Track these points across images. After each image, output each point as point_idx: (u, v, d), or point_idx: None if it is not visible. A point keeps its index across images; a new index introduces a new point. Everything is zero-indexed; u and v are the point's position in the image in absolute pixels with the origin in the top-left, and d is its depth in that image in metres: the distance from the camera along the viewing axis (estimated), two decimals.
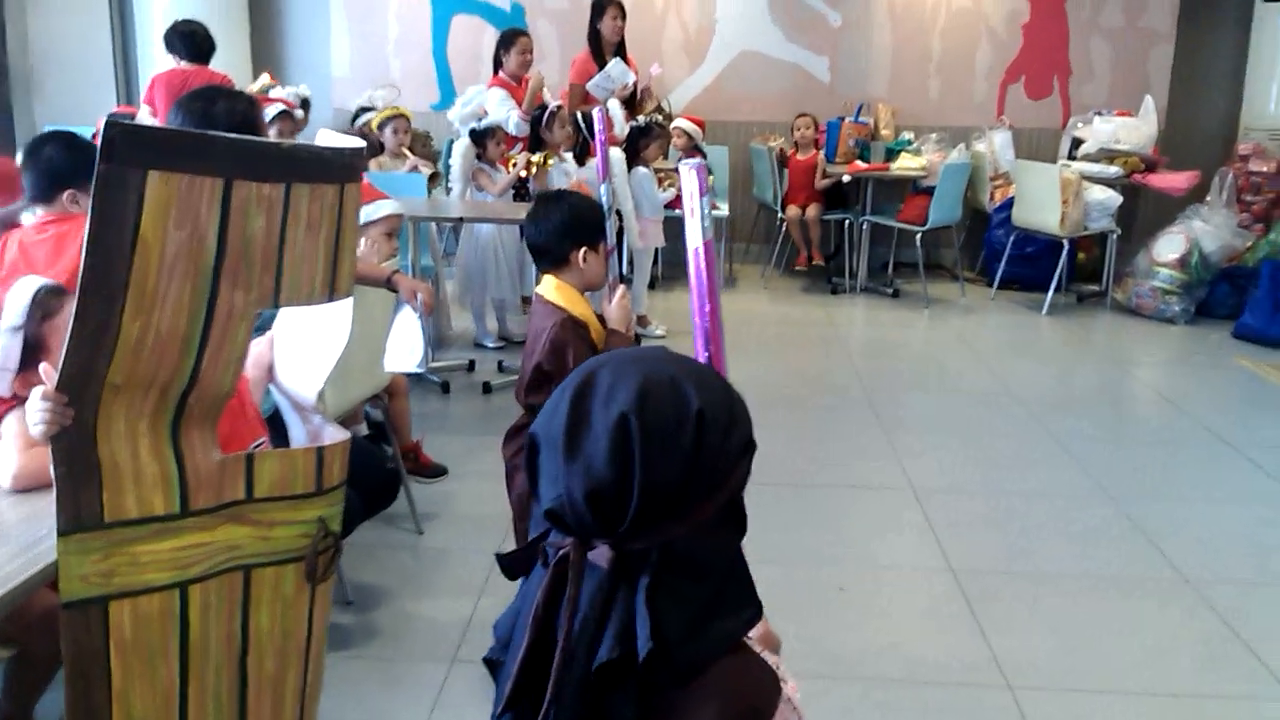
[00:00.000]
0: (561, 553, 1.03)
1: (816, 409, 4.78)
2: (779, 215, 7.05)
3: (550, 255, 2.69)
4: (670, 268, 6.98)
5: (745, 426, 1.07)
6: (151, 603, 1.38)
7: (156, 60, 6.01)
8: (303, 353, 1.76)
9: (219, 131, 1.39)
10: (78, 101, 6.82)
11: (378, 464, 2.80)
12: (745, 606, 1.08)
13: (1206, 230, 6.27)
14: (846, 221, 7.04)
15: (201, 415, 1.40)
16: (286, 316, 1.82)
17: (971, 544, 3.47)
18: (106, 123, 1.27)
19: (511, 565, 1.10)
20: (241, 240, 1.36)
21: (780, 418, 4.55)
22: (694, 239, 1.14)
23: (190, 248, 1.31)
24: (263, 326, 1.83)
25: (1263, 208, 6.72)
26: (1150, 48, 7.52)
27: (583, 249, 2.66)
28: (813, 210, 6.94)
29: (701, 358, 1.12)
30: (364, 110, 6.08)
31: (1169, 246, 6.31)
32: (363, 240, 3.05)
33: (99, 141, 1.24)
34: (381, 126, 5.56)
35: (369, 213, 3.04)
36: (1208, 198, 6.60)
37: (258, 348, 1.82)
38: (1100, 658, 2.83)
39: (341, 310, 1.65)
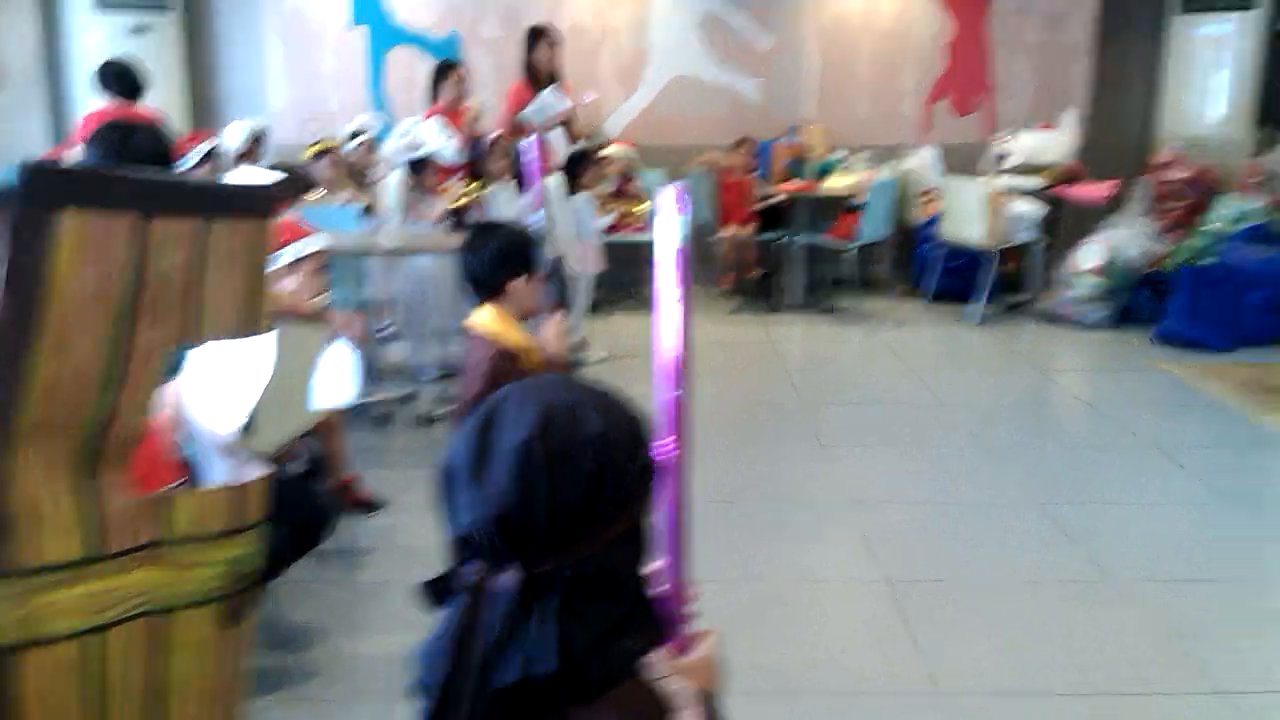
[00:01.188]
0: (474, 578, 1.07)
1: (755, 425, 4.86)
2: (715, 236, 7.15)
3: (485, 285, 2.74)
4: (611, 292, 7.05)
5: (649, 450, 1.12)
6: (67, 650, 1.36)
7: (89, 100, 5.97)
8: (221, 389, 1.78)
9: (136, 164, 1.40)
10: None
11: (308, 501, 2.81)
12: (648, 628, 1.13)
13: (1126, 238, 6.48)
14: (781, 241, 7.16)
15: (117, 455, 1.39)
16: (204, 353, 1.83)
17: (905, 554, 3.56)
18: (20, 166, 1.27)
19: (432, 594, 1.14)
20: (158, 277, 1.36)
21: (719, 435, 4.61)
22: (669, 245, 1.17)
23: (106, 285, 1.31)
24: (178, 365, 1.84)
25: (1180, 214, 6.93)
26: (1070, 63, 7.76)
27: (518, 278, 2.71)
28: (747, 230, 7.05)
29: (669, 372, 1.16)
30: (355, 135, 6.06)
31: (1091, 255, 6.50)
32: (293, 277, 3.07)
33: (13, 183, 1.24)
34: (316, 159, 5.57)
35: (298, 250, 3.06)
36: (1127, 206, 6.81)
37: (173, 387, 1.83)
38: (1033, 661, 2.91)
39: (262, 346, 1.67)
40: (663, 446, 1.14)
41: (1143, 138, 7.75)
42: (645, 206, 7.04)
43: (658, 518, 1.16)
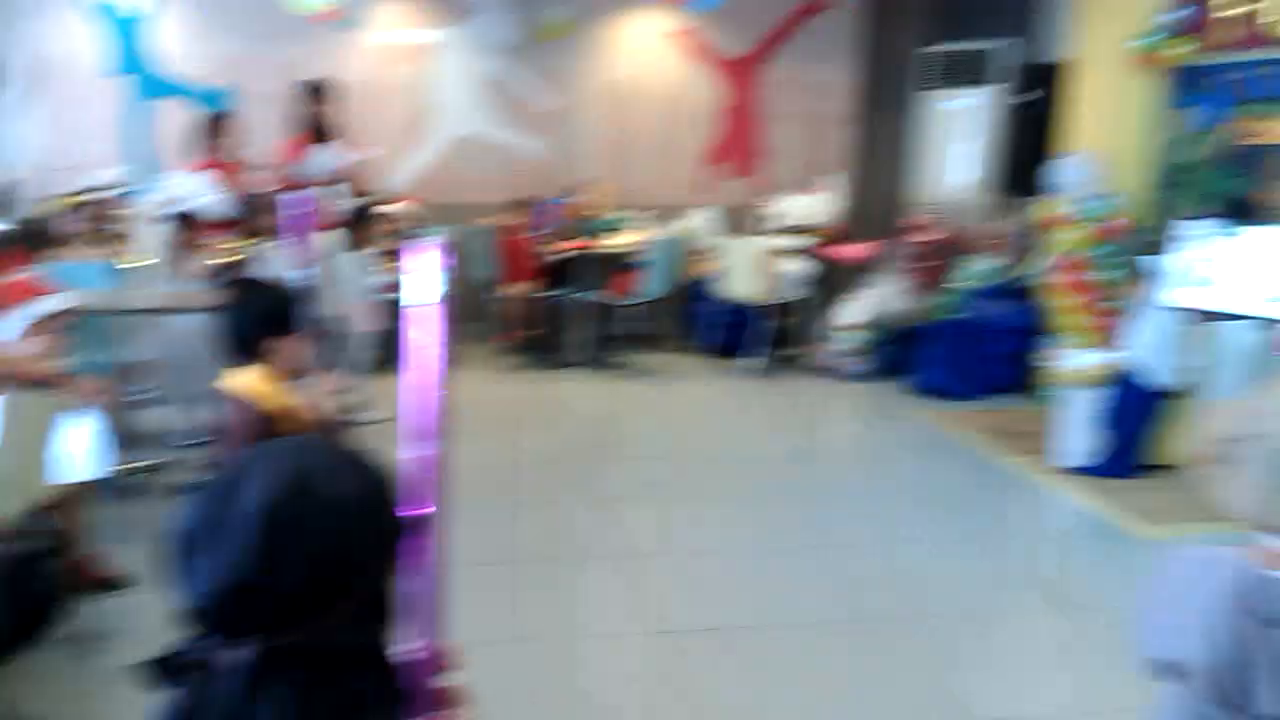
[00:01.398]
0: (205, 654, 1.03)
1: (535, 483, 4.86)
2: (497, 294, 7.16)
3: (247, 345, 2.64)
4: (395, 351, 6.92)
5: (399, 514, 1.11)
6: None
7: None
8: None
9: None
10: None
11: (39, 581, 2.60)
12: (395, 701, 1.11)
13: (885, 295, 6.94)
14: (564, 298, 7.25)
15: None
16: None
17: (682, 604, 3.63)
18: None
19: (157, 673, 1.08)
20: None
21: (497, 495, 4.59)
22: (428, 299, 1.15)
23: None
24: None
25: (932, 273, 7.48)
26: (832, 131, 8.29)
27: (281, 337, 2.63)
28: (530, 287, 7.11)
29: (427, 428, 1.15)
30: (110, 188, 5.69)
31: (854, 311, 6.93)
32: (30, 339, 2.87)
33: None
34: (68, 214, 5.23)
35: (35, 310, 2.87)
36: (886, 265, 7.29)
37: None
38: (802, 703, 3.03)
39: None
40: (416, 509, 1.13)
41: (899, 202, 8.34)
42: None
43: (410, 584, 1.14)
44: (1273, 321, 1.06)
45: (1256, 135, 5.62)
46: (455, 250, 6.97)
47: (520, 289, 7.11)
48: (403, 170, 7.69)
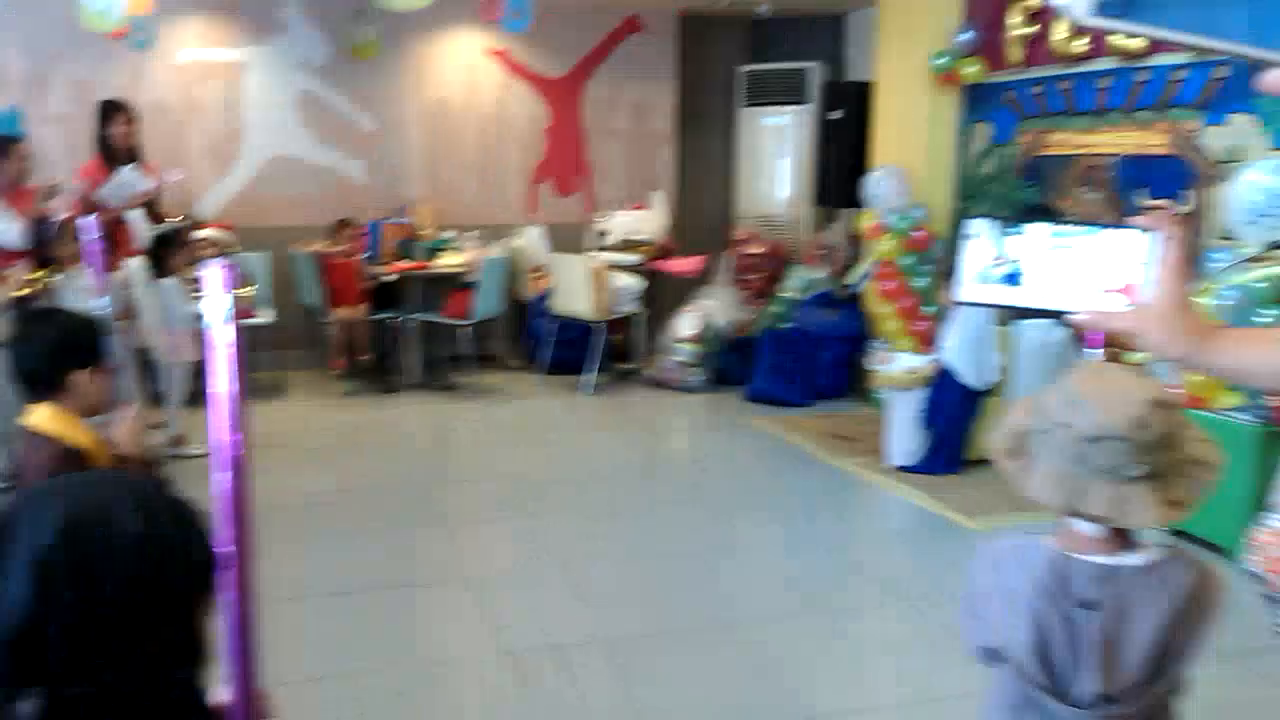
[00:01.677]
0: None
1: (373, 510, 4.70)
2: (325, 319, 6.92)
3: (43, 381, 2.44)
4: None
5: (202, 549, 1.02)
6: None
7: None
8: None
9: None
10: None
11: None
12: None
13: (716, 307, 7.06)
14: (394, 321, 7.07)
15: None
16: None
17: (525, 624, 3.56)
18: None
19: None
20: None
21: (336, 525, 4.41)
22: (219, 325, 1.07)
23: None
24: None
25: (760, 284, 7.67)
26: (656, 149, 8.40)
27: (80, 370, 2.44)
28: (359, 311, 6.90)
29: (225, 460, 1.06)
30: None
31: (686, 324, 7.02)
32: None
33: None
34: None
35: None
36: (715, 278, 7.43)
37: None
38: (647, 713, 3.00)
39: None
40: (221, 543, 1.05)
41: (724, 216, 8.52)
42: (250, 290, 6.68)
43: (220, 621, 1.06)
44: (1059, 314, 1.12)
45: (1046, 147, 6.01)
46: (248, 274, 6.70)
47: (349, 313, 6.89)
48: (212, 193, 7.35)
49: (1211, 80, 4.97)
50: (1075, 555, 1.56)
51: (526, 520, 4.60)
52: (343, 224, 7.00)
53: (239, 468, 1.08)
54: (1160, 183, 5.22)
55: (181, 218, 6.26)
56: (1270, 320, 4.17)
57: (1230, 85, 4.87)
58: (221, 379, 1.08)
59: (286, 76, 7.43)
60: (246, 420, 1.07)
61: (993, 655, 1.65)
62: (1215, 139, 4.97)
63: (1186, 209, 5.15)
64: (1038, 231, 1.14)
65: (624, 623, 3.58)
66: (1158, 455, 1.45)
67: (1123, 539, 1.55)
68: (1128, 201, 5.47)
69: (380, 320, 7.11)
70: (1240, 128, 4.83)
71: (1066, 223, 1.14)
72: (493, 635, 3.46)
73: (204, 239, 6.32)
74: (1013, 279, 1.17)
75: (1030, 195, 6.07)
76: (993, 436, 1.62)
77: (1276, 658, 3.26)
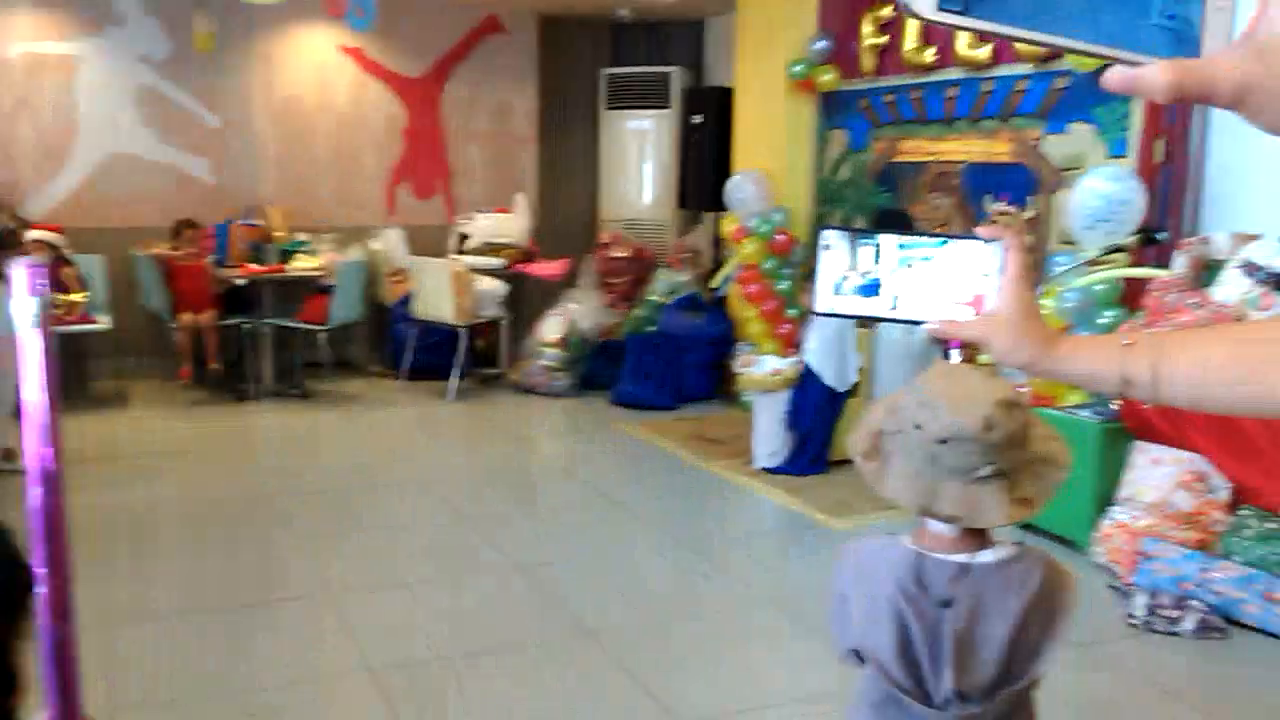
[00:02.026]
0: None
1: (224, 524, 4.48)
2: (171, 325, 6.59)
3: None
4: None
5: (9, 570, 0.92)
6: None
7: None
8: None
9: None
10: None
11: None
12: None
13: (581, 311, 7.02)
14: (246, 326, 6.78)
15: None
16: None
17: (388, 639, 3.44)
18: None
19: None
20: None
21: (183, 541, 4.19)
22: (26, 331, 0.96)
23: None
24: None
25: (625, 288, 7.67)
26: (518, 151, 8.31)
27: None
28: (208, 317, 6.59)
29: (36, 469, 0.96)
30: None
31: (551, 327, 6.95)
32: None
33: None
34: None
35: None
36: (579, 282, 7.39)
37: None
38: None
39: None
40: (35, 565, 0.95)
41: (588, 219, 8.49)
42: (84, 296, 6.30)
43: (38, 650, 0.97)
44: (913, 324, 1.13)
45: (899, 154, 6.20)
46: (83, 278, 6.34)
47: (198, 319, 6.56)
48: (44, 194, 6.90)
49: (1052, 90, 5.21)
50: (932, 554, 1.58)
51: (387, 531, 4.46)
52: (184, 225, 6.65)
53: (52, 482, 0.98)
54: (1005, 189, 5.44)
55: (8, 220, 5.86)
56: (1110, 320, 4.39)
57: (1070, 96, 5.11)
58: (31, 388, 0.97)
59: (125, 71, 7.04)
60: (58, 432, 0.97)
61: (858, 657, 1.66)
62: (1056, 147, 5.21)
63: (1030, 214, 5.39)
64: (888, 243, 1.16)
65: (489, 634, 3.50)
66: (1006, 455, 1.48)
67: (977, 537, 1.58)
68: (976, 207, 5.68)
69: (231, 326, 6.81)
70: (1080, 136, 5.08)
71: (915, 234, 1.15)
72: (353, 652, 3.33)
73: (34, 241, 5.93)
74: (869, 290, 1.18)
75: (885, 200, 6.25)
76: (852, 437, 1.64)
77: (1126, 646, 3.42)
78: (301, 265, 6.87)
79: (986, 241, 1.14)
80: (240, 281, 6.62)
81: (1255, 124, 0.72)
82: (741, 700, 3.10)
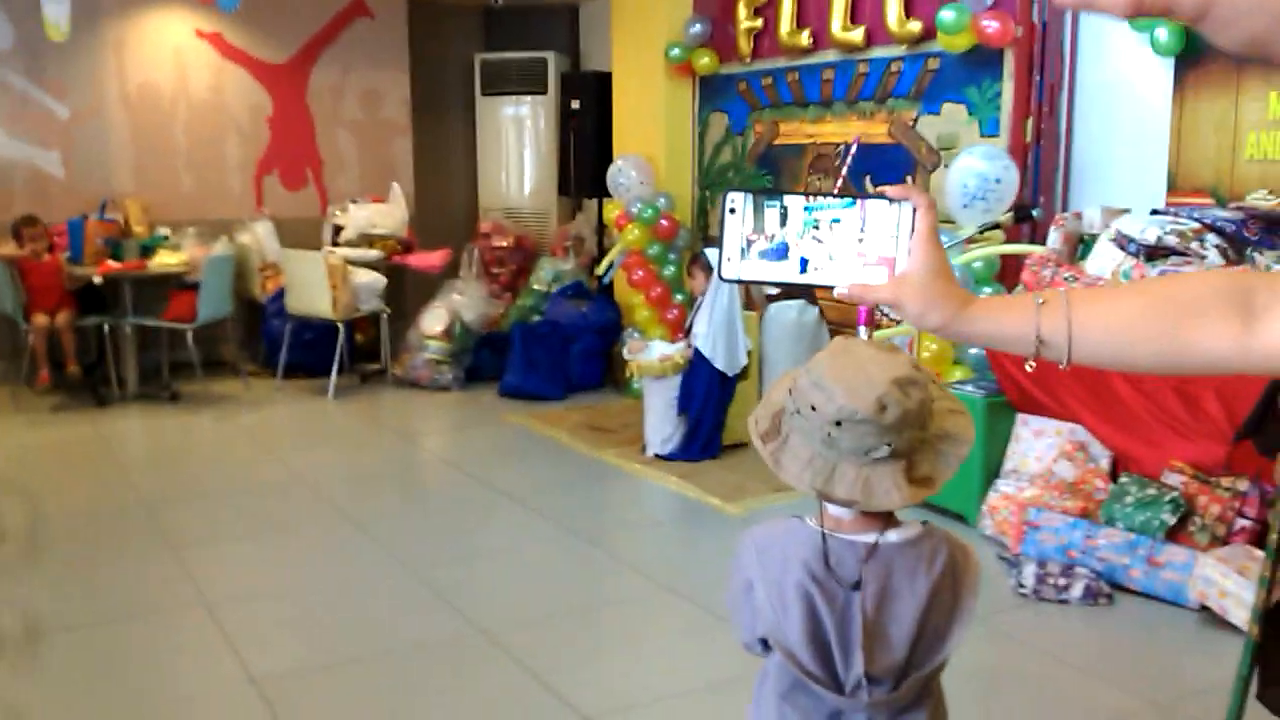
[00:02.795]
0: None
1: (90, 537, 4.19)
2: (23, 327, 6.17)
3: None
4: None
5: None
6: None
7: None
8: None
9: None
10: None
11: None
12: None
13: (464, 302, 6.85)
14: (106, 326, 6.40)
15: None
16: None
17: (272, 648, 3.27)
18: None
19: None
20: None
21: (55, 555, 3.92)
22: None
23: None
24: None
25: (508, 277, 7.54)
26: (392, 139, 8.06)
27: None
28: (63, 317, 6.20)
29: None
30: None
31: (434, 320, 6.77)
32: None
33: None
34: None
35: None
36: (461, 273, 7.22)
37: None
38: None
39: None
40: None
41: (467, 208, 8.31)
42: None
43: None
44: (822, 288, 1.09)
45: (779, 137, 6.22)
46: None
47: (53, 319, 6.16)
48: None
49: (925, 71, 5.29)
50: (838, 535, 1.53)
51: (268, 536, 4.25)
52: (23, 222, 6.22)
53: None
54: (884, 169, 5.50)
55: None
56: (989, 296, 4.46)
57: (941, 77, 5.19)
58: None
59: None
60: None
61: (763, 644, 1.61)
62: (931, 127, 5.29)
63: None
64: (794, 204, 1.11)
65: (379, 638, 3.35)
66: (904, 435, 1.44)
67: (881, 517, 1.54)
68: (858, 188, 5.74)
69: (89, 327, 6.42)
70: (953, 116, 5.17)
71: (822, 195, 1.11)
72: (236, 663, 3.15)
73: None
74: (777, 254, 1.14)
75: (767, 184, 6.26)
76: (753, 414, 1.58)
77: (1018, 616, 3.48)
78: (164, 261, 6.51)
79: (894, 202, 1.09)
80: (97, 279, 6.23)
81: (1215, 40, 0.68)
82: (648, 691, 3.04)
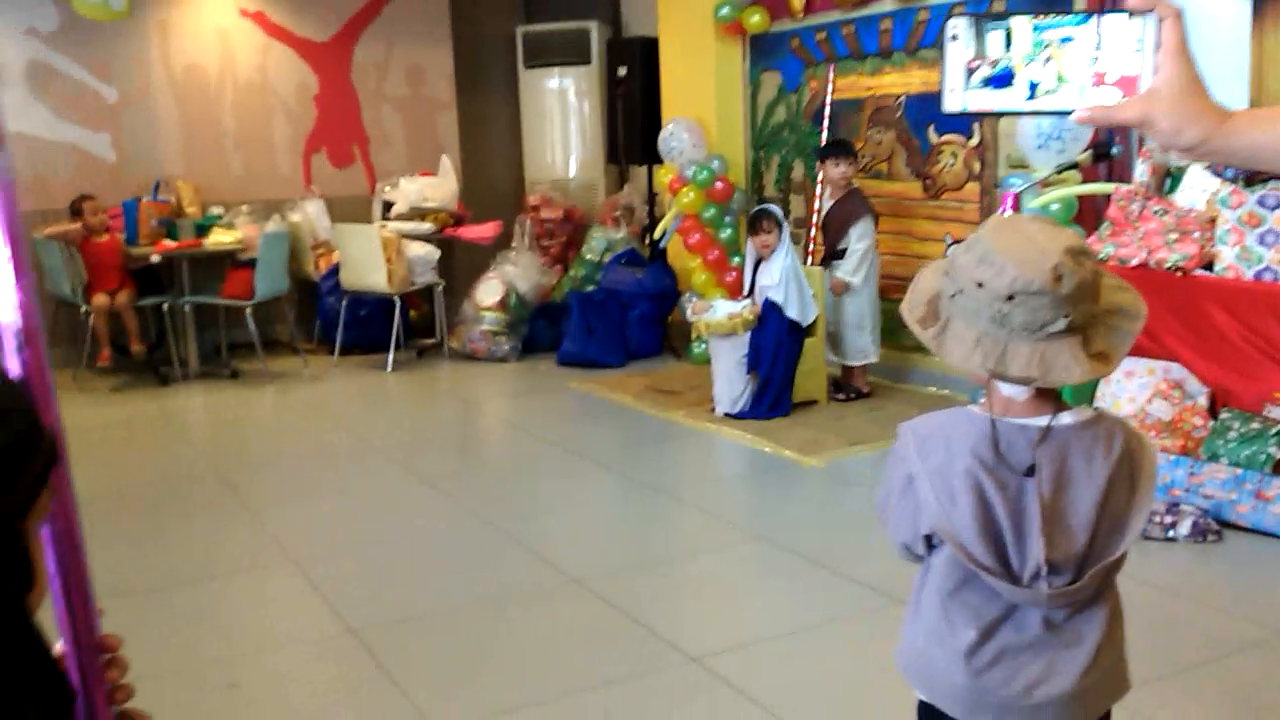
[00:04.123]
0: None
1: (171, 505, 4.19)
2: (84, 308, 6.18)
3: None
4: None
5: (24, 419, 0.73)
6: None
7: None
8: None
9: None
10: None
11: None
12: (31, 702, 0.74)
13: (517, 273, 6.80)
14: (166, 305, 6.40)
15: None
16: None
17: (364, 599, 3.24)
18: None
19: None
20: None
21: (131, 524, 3.90)
22: None
23: None
24: None
25: (558, 249, 7.48)
26: (437, 114, 8.01)
27: None
28: (124, 297, 6.20)
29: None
30: None
31: (489, 291, 6.71)
32: None
33: None
34: None
35: None
36: (513, 244, 7.17)
37: None
38: (511, 672, 2.76)
39: None
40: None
41: (515, 181, 8.25)
42: None
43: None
44: (1059, 114, 1.03)
45: (835, 92, 6.10)
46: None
47: (111, 301, 6.17)
48: None
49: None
50: (1007, 419, 1.45)
51: (343, 497, 4.22)
52: (81, 200, 6.20)
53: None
54: (946, 119, 5.38)
55: None
56: None
57: None
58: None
59: (11, 45, 6.57)
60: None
61: (926, 542, 1.53)
62: None
63: (975, 142, 5.35)
64: (1020, 25, 1.03)
65: (470, 587, 3.31)
66: (1079, 307, 1.36)
67: (1050, 400, 1.46)
68: (919, 139, 5.63)
69: (148, 307, 6.42)
70: None
71: (1052, 11, 1.03)
72: (333, 616, 3.11)
73: None
74: (1002, 81, 1.06)
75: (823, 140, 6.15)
76: (903, 306, 1.50)
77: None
78: (219, 239, 6.50)
79: (1134, 15, 1.01)
80: (155, 259, 6.23)
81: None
82: (750, 633, 2.97)
